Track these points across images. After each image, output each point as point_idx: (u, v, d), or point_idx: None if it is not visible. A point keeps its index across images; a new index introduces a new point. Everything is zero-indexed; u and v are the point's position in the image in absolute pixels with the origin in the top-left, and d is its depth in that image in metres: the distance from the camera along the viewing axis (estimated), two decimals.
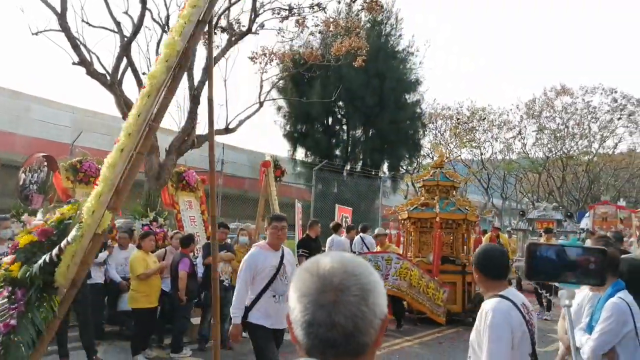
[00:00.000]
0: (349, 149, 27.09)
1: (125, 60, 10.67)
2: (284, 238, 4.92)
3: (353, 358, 1.05)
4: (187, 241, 7.68)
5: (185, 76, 11.69)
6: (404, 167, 29.69)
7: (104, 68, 10.44)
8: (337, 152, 27.02)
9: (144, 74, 11.47)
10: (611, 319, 3.11)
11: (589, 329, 3.31)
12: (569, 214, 15.63)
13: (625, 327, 3.09)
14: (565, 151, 32.86)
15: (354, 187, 22.94)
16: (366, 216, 20.45)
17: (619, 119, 32.52)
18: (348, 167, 26.61)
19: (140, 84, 11.26)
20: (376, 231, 10.92)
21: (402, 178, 28.82)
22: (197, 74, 11.70)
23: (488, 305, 2.79)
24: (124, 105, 10.39)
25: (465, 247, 10.92)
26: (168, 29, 11.37)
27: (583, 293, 3.70)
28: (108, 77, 10.29)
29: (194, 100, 11.46)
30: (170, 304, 7.63)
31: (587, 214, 22.21)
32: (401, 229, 11.75)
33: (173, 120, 12.17)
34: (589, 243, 14.07)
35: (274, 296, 4.72)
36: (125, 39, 10.78)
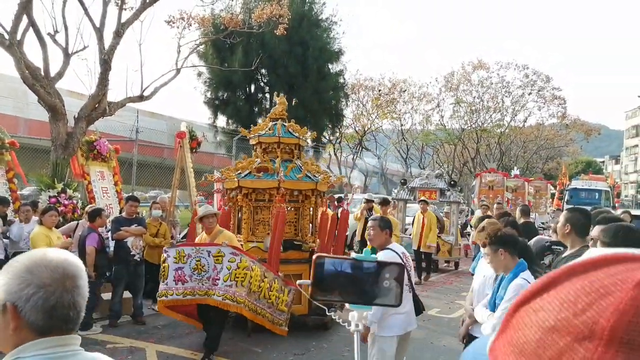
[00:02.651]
0: None
1: (26, 20, 9.85)
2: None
3: (75, 330, 1.36)
4: (94, 215, 7.34)
5: (95, 39, 11.01)
6: (327, 137, 29.85)
7: (2, 27, 9.60)
8: (260, 120, 26.65)
9: (49, 34, 10.69)
10: (514, 299, 3.26)
11: (491, 305, 3.57)
12: (452, 182, 15.42)
13: None
14: (480, 124, 34.26)
15: None
16: None
17: (530, 94, 34.24)
18: None
19: (44, 45, 10.48)
20: (201, 211, 6.86)
21: (324, 148, 28.93)
22: (108, 37, 11.04)
23: (380, 254, 4.20)
24: (26, 68, 9.65)
25: (312, 225, 8.14)
26: None
27: (490, 267, 3.87)
28: (6, 37, 9.48)
29: (105, 65, 10.83)
30: None
31: (473, 182, 22.04)
32: (225, 203, 7.96)
33: (83, 85, 11.45)
34: (479, 213, 14.11)
35: None
36: None
